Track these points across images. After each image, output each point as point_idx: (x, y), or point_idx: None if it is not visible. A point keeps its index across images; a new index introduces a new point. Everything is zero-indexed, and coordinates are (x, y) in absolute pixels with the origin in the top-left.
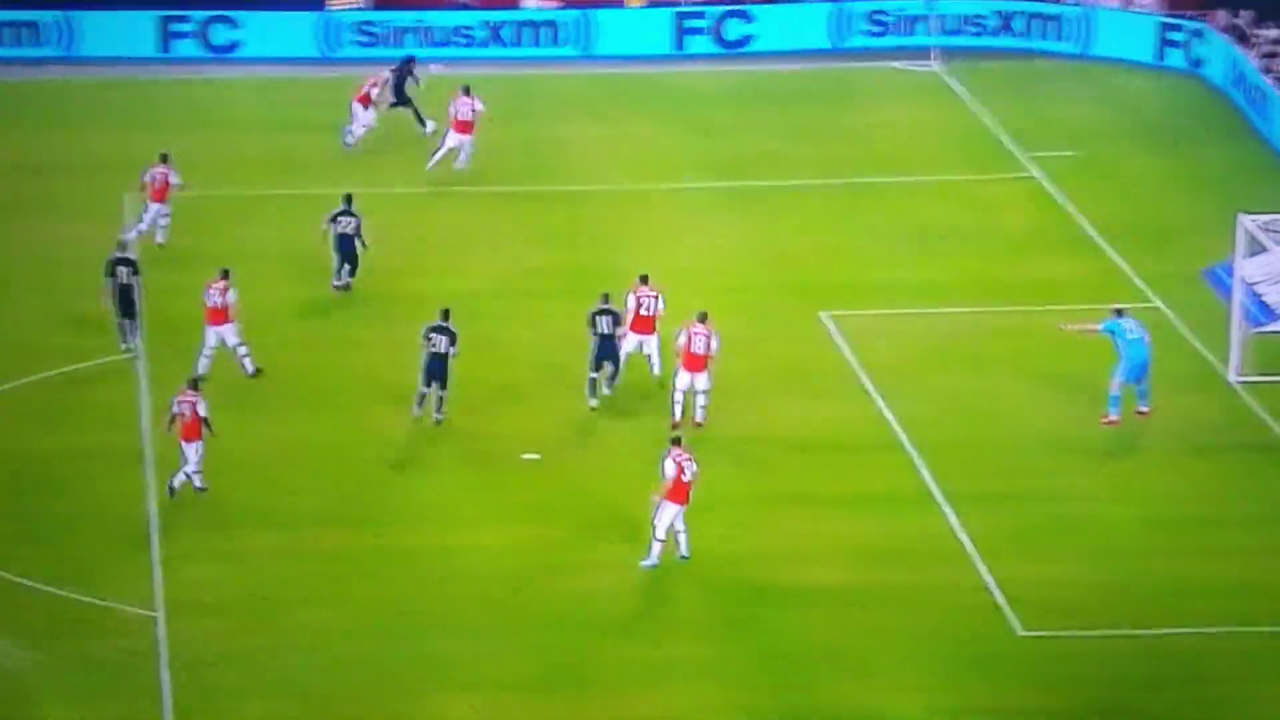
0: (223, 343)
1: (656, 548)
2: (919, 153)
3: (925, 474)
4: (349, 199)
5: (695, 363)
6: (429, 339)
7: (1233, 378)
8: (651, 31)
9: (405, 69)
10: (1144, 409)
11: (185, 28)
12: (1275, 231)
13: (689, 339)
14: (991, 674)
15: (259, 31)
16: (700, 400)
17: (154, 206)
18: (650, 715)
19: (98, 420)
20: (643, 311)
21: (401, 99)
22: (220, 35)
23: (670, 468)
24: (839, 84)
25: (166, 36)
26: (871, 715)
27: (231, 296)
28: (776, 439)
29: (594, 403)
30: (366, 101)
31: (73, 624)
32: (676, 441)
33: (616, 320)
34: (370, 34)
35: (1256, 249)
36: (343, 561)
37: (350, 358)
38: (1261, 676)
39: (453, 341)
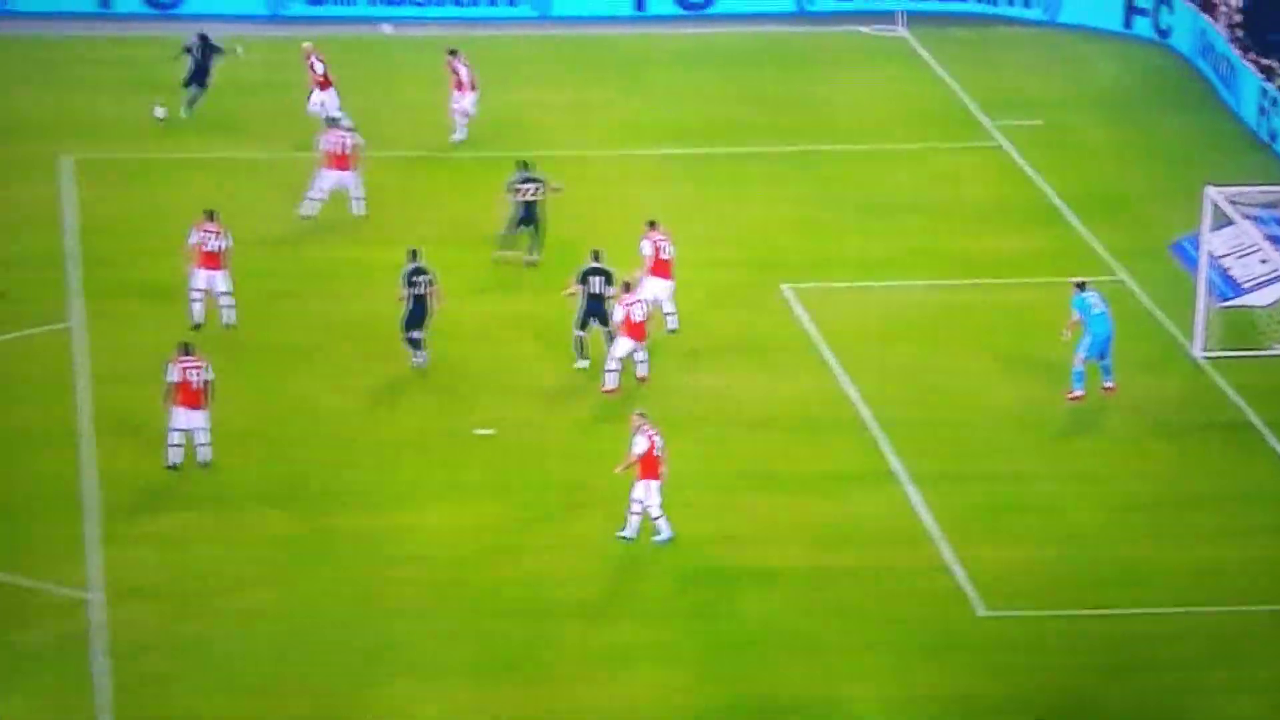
0: (211, 288)
1: (633, 521)
2: (883, 120)
3: (887, 452)
4: (525, 165)
5: (636, 330)
6: (411, 282)
7: (1198, 353)
8: None
9: (206, 46)
10: (1109, 384)
11: None
12: (1243, 204)
13: (628, 310)
14: (952, 656)
15: None
16: (640, 356)
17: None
18: (608, 701)
19: (30, 393)
20: (662, 255)
21: (199, 78)
22: None
23: (641, 443)
24: (803, 48)
25: None
26: (832, 699)
27: (226, 241)
28: (736, 417)
29: (583, 363)
30: (325, 84)
31: (2, 608)
32: (642, 415)
33: (609, 280)
34: None
35: (1223, 222)
36: (287, 544)
37: (292, 334)
38: (1223, 660)
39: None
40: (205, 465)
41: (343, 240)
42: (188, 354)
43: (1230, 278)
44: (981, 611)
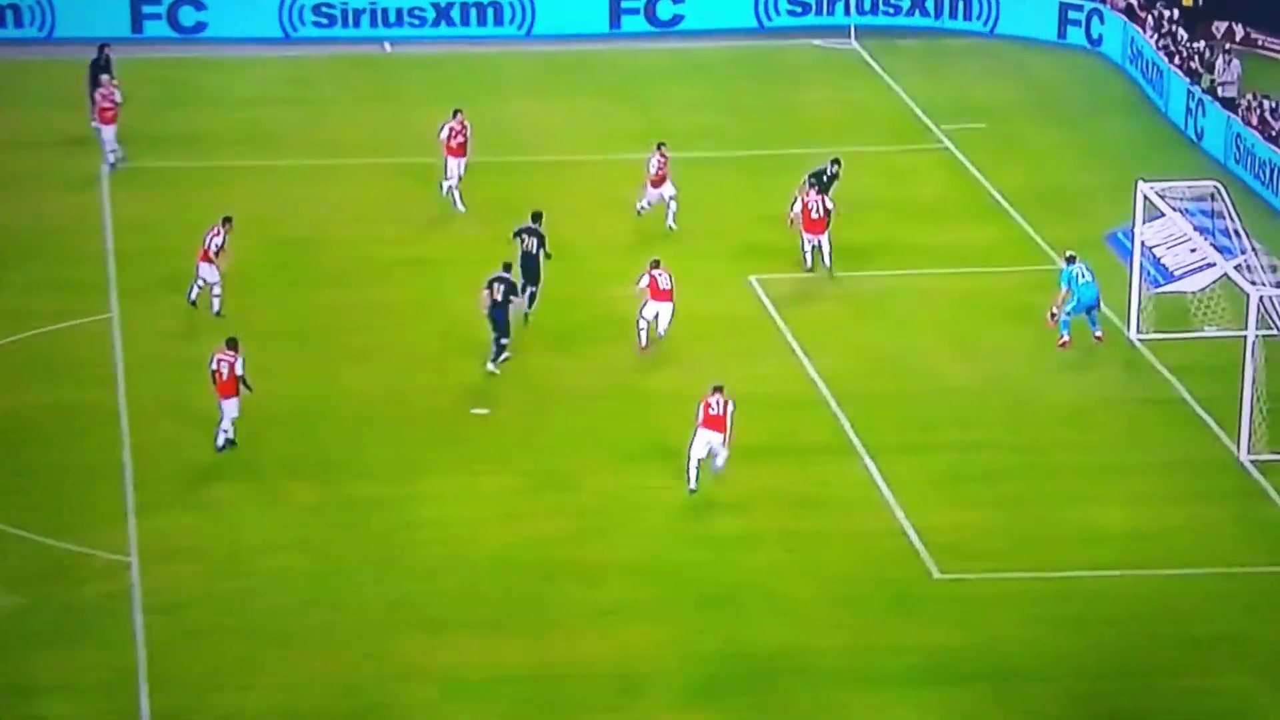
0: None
1: (691, 472)
2: (839, 125)
3: (846, 426)
4: (536, 216)
5: (662, 295)
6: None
7: (1134, 336)
8: (589, 11)
9: (101, 62)
10: (1098, 334)
11: (155, 9)
12: (1172, 198)
13: (653, 279)
14: (910, 613)
15: (224, 13)
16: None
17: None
18: (604, 653)
19: (77, 377)
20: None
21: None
22: (189, 17)
23: (700, 409)
24: (765, 61)
25: (138, 18)
26: (805, 649)
27: (219, 240)
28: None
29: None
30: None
31: (54, 570)
32: (718, 389)
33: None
34: (328, 16)
35: (1155, 214)
36: (311, 511)
37: (318, 320)
38: (1160, 616)
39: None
40: (230, 445)
41: (357, 243)
42: (230, 348)
43: (1162, 266)
44: (937, 573)
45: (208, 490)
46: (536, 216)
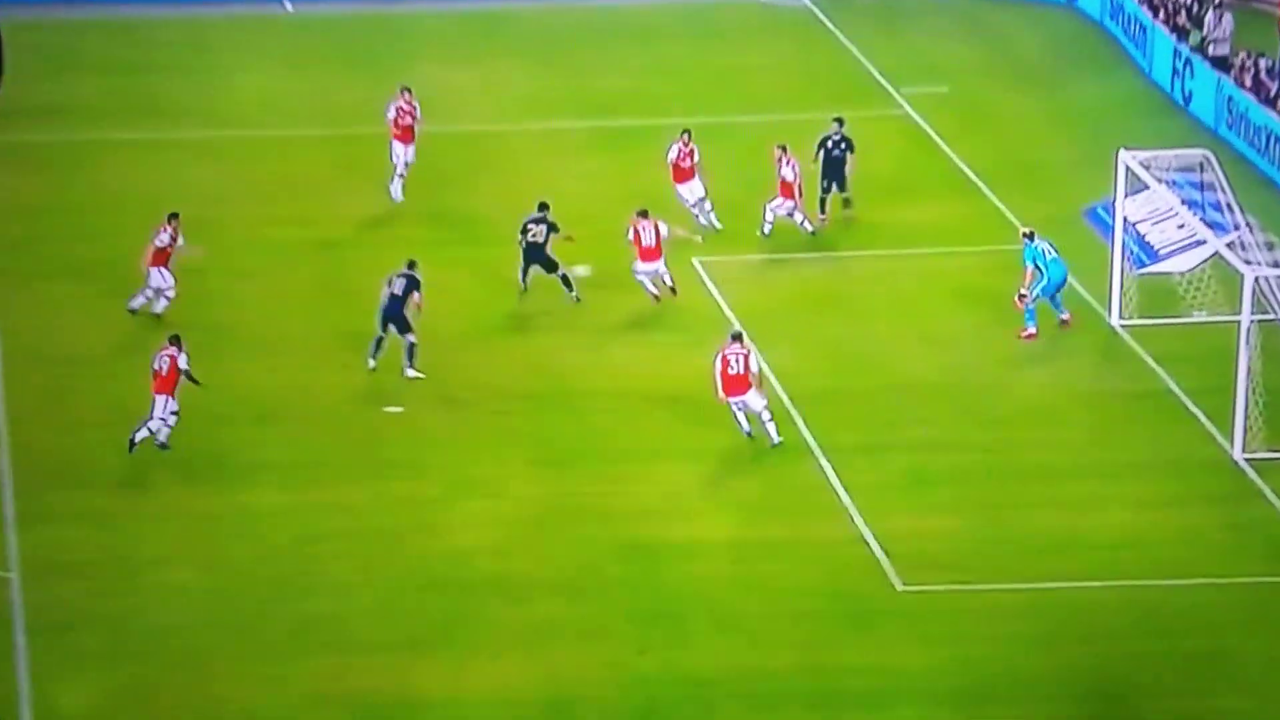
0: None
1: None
2: (788, 90)
3: (800, 424)
4: (543, 206)
5: (649, 254)
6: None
7: (1114, 321)
8: None
9: None
10: (1065, 316)
11: None
12: (1157, 168)
13: (638, 233)
14: (872, 630)
15: None
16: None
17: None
18: (534, 676)
19: None
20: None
21: None
22: None
23: (717, 364)
24: (708, 20)
25: None
26: (750, 672)
27: (167, 237)
28: (648, 390)
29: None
30: None
31: None
32: (736, 338)
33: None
34: None
35: (1138, 187)
36: (207, 520)
37: (212, 309)
38: (1145, 631)
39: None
40: (163, 449)
41: (259, 222)
42: (174, 344)
43: (1147, 244)
44: (900, 585)
45: (95, 499)
46: (543, 206)
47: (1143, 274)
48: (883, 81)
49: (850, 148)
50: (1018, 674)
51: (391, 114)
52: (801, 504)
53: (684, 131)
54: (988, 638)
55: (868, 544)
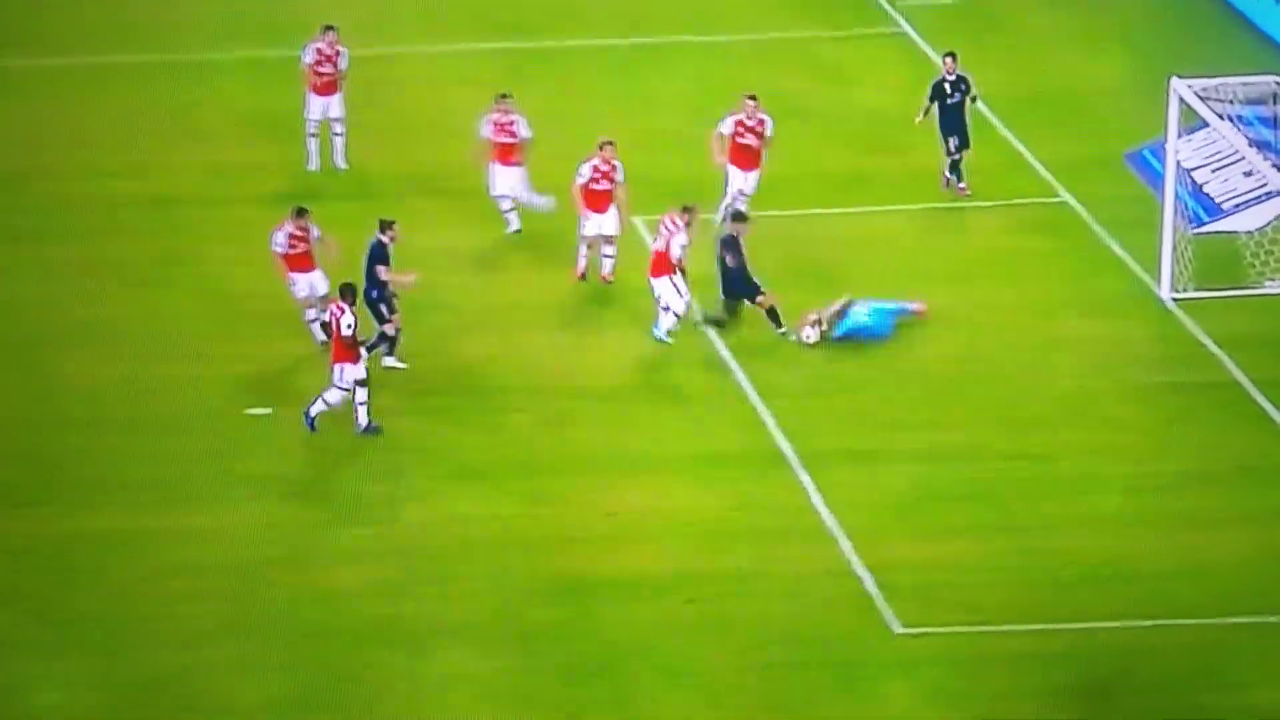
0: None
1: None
2: (756, 4)
3: (772, 427)
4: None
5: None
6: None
7: (1166, 295)
8: None
9: None
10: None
11: None
12: (1219, 100)
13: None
14: (862, 683)
15: None
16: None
17: None
18: None
19: None
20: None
21: None
22: None
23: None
24: None
25: None
26: None
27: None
28: (583, 385)
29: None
30: None
31: None
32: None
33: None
34: None
35: (1196, 125)
36: (25, 554)
37: (26, 286)
38: (1215, 684)
39: None
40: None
41: (84, 171)
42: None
43: (1205, 196)
44: (898, 627)
45: None
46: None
47: (1201, 234)
48: None
49: (968, 89)
50: None
51: (309, 58)
52: (774, 526)
53: (749, 96)
54: (1009, 693)
55: (858, 576)
